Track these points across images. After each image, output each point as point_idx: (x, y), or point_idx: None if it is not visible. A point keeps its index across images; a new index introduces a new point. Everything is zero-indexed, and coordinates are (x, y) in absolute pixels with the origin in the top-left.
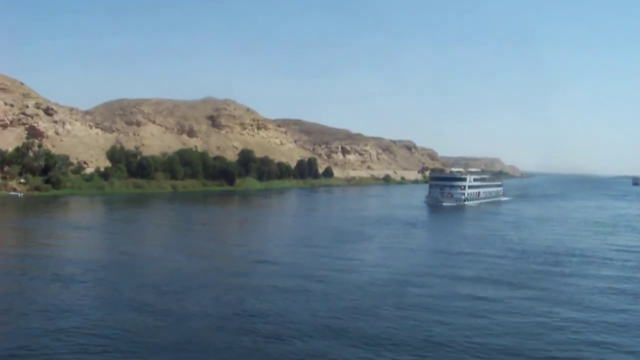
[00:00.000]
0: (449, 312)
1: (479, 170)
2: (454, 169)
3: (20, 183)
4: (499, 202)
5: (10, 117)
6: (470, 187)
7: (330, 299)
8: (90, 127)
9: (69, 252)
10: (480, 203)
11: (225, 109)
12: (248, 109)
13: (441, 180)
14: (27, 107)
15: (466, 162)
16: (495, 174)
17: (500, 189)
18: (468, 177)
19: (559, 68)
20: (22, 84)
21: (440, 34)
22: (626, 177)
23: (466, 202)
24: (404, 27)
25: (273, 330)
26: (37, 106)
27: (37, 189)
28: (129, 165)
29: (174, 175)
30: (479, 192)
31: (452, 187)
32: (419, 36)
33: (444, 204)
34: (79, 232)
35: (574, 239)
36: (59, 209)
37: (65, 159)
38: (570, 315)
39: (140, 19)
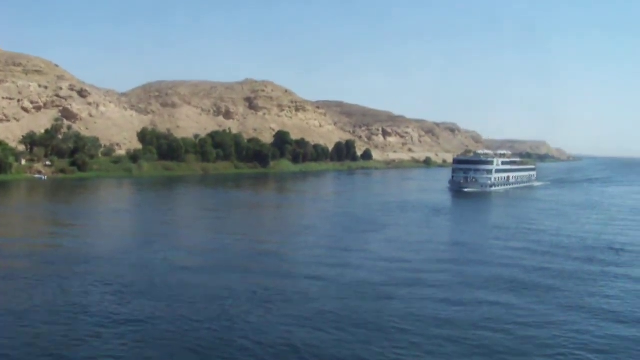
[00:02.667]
0: (446, 322)
1: (509, 152)
2: (480, 151)
3: (45, 166)
4: (532, 188)
5: (44, 99)
6: (497, 171)
7: (309, 302)
8: (125, 109)
9: (76, 240)
10: (510, 189)
11: (263, 91)
12: (286, 91)
13: (465, 164)
14: (61, 89)
15: (511, 144)
16: (540, 157)
17: (533, 173)
18: (495, 160)
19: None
20: (56, 66)
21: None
22: None
23: (493, 188)
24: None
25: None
26: (71, 88)
27: (62, 171)
28: (160, 147)
29: (205, 158)
30: (508, 177)
31: (476, 171)
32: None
33: (467, 189)
34: (90, 218)
35: (614, 229)
36: (78, 193)
37: (95, 141)
38: (609, 332)
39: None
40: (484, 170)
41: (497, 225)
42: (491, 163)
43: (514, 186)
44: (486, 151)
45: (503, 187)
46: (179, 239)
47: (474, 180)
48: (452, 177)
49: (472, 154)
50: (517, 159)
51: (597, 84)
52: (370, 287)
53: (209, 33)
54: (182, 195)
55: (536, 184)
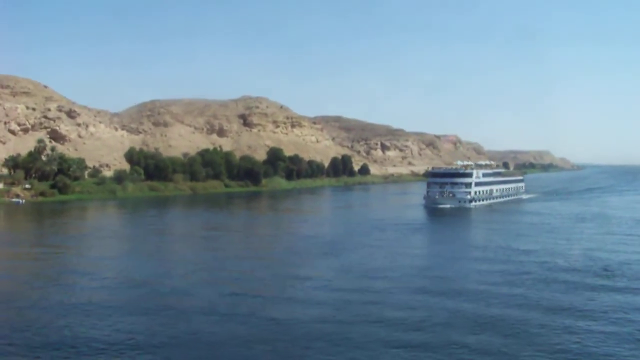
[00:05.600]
0: None
1: (491, 163)
2: (460, 162)
3: (25, 189)
4: (519, 201)
5: (32, 121)
6: (477, 184)
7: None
8: (116, 129)
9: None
10: (493, 203)
11: (257, 107)
12: (282, 107)
13: (440, 177)
14: (49, 110)
15: (514, 155)
16: (544, 166)
17: (521, 184)
18: (475, 172)
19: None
20: (45, 87)
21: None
22: None
23: (473, 203)
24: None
25: None
26: (60, 109)
27: (42, 194)
28: (147, 167)
29: (194, 177)
30: (490, 190)
31: (453, 184)
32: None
33: (443, 205)
34: (41, 246)
35: (608, 247)
36: (46, 217)
37: (80, 162)
38: None
39: (173, 23)
40: (461, 183)
41: (468, 246)
42: (470, 175)
43: (498, 200)
44: (466, 162)
45: (485, 202)
46: (128, 268)
47: (450, 195)
48: (427, 192)
49: (472, 166)
50: (501, 170)
51: (600, 93)
52: (321, 324)
53: (205, 50)
54: (150, 218)
55: (524, 196)
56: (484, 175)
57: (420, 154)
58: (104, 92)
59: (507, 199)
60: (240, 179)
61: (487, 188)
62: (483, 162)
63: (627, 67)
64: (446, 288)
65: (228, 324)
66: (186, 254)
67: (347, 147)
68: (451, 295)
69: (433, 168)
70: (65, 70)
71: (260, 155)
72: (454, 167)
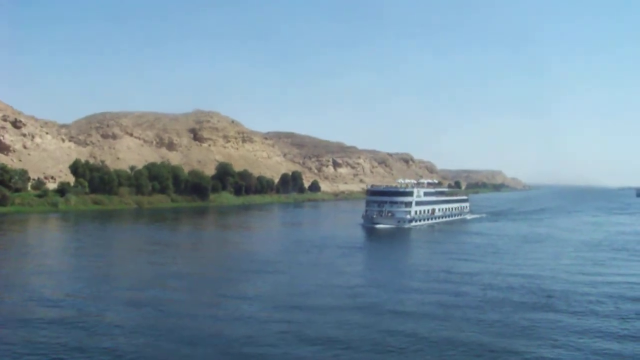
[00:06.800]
0: None
1: (435, 181)
2: (401, 181)
3: None
4: (464, 222)
5: None
6: (418, 203)
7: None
8: (63, 140)
9: None
10: (435, 223)
11: (208, 121)
12: (233, 121)
13: (379, 195)
14: None
15: (467, 174)
16: (496, 186)
17: (465, 204)
18: (415, 190)
19: (561, 74)
20: None
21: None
22: (630, 188)
23: (413, 223)
24: (404, 30)
25: None
26: (4, 118)
27: None
28: (92, 180)
29: (140, 191)
30: (432, 210)
31: (392, 203)
32: (419, 40)
33: (380, 225)
34: None
35: (552, 270)
36: None
37: (23, 173)
38: None
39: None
40: (401, 202)
41: (402, 267)
42: (410, 194)
43: (441, 220)
44: (407, 180)
45: (426, 222)
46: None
47: (389, 214)
48: (366, 210)
49: (412, 184)
50: (445, 189)
51: (550, 115)
52: (239, 343)
53: (158, 61)
54: (88, 233)
55: (469, 216)
56: (426, 194)
57: (372, 172)
58: (54, 103)
59: (451, 219)
60: (188, 193)
61: (429, 207)
62: (426, 181)
63: (578, 85)
64: (374, 310)
65: (138, 343)
66: (115, 271)
67: (299, 163)
68: (379, 317)
69: (372, 186)
70: (11, 79)
71: (210, 170)
72: (394, 185)
